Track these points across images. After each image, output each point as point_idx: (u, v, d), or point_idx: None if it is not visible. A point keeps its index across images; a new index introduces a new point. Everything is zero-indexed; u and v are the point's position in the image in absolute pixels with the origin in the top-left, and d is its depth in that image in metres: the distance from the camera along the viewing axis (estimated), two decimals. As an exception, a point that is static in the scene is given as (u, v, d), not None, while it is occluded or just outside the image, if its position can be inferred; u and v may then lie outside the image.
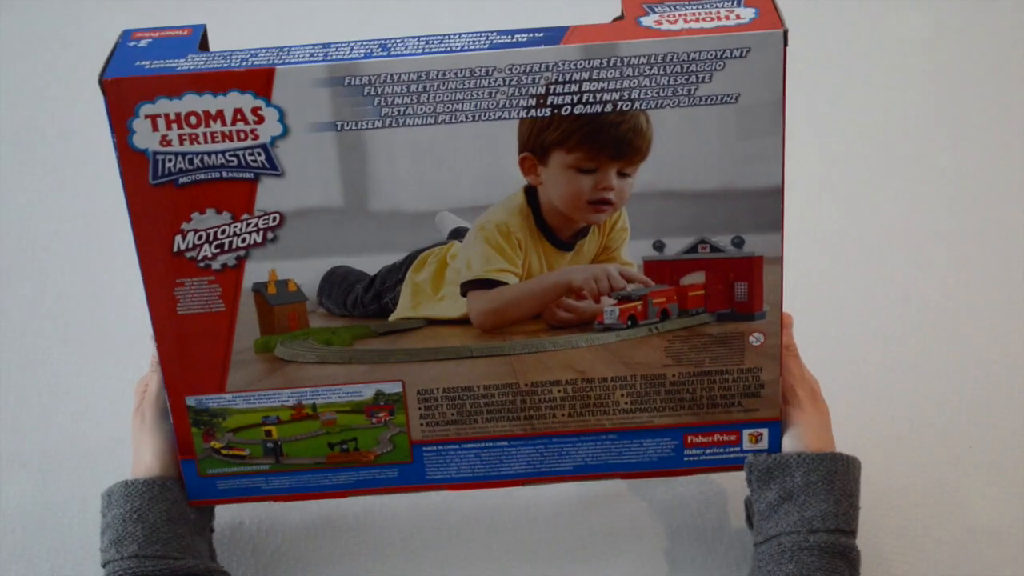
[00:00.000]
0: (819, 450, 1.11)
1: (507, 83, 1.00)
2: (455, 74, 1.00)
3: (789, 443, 1.13)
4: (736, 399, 1.13)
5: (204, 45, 1.06)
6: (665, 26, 1.01)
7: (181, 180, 1.03)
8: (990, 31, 1.91)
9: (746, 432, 1.14)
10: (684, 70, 1.01)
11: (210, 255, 1.06)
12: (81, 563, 1.21)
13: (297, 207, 1.05)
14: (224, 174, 1.03)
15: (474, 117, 1.02)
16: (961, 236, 1.57)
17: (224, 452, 1.14)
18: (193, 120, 1.01)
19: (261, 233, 1.06)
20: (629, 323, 1.11)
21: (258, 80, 1.00)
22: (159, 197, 1.03)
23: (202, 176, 1.03)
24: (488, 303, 1.11)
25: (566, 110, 1.02)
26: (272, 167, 1.03)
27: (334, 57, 1.01)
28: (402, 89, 1.01)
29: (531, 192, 1.09)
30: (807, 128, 1.68)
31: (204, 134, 1.02)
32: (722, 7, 1.03)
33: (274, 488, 1.16)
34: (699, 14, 1.02)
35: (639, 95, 1.01)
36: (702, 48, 1.00)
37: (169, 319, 1.08)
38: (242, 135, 1.02)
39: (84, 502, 1.26)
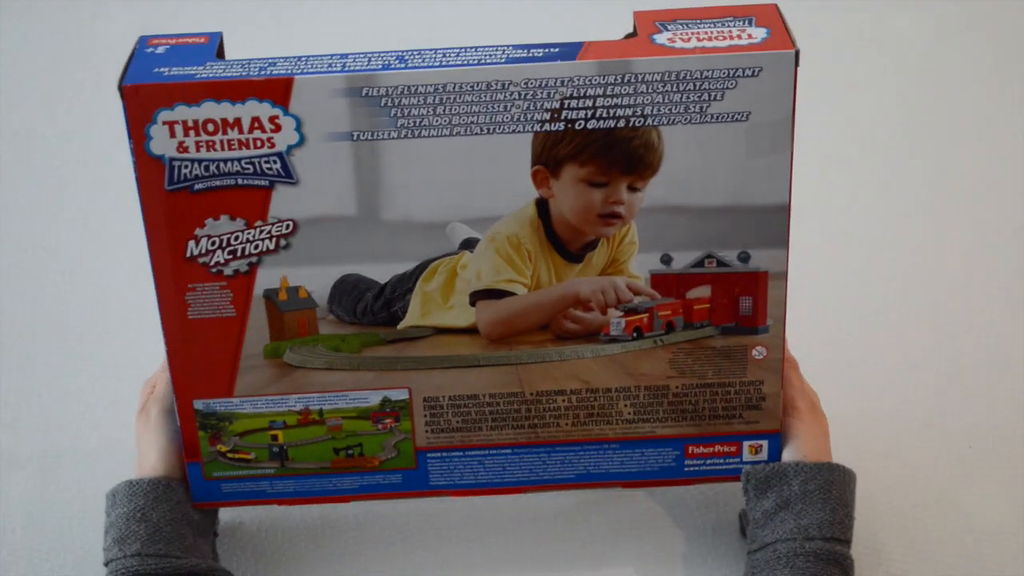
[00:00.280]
0: (817, 460, 1.13)
1: (522, 97, 1.02)
2: (471, 87, 1.01)
3: (787, 454, 1.15)
4: (738, 411, 1.15)
5: (220, 53, 1.06)
6: (678, 44, 1.02)
7: (196, 186, 1.04)
8: (991, 40, 1.93)
9: (746, 444, 1.16)
10: (696, 87, 1.02)
11: (223, 261, 1.07)
12: (81, 563, 1.21)
13: (311, 215, 1.06)
14: (239, 181, 1.04)
15: (489, 130, 1.03)
16: (962, 236, 1.58)
17: (230, 455, 1.15)
18: (210, 127, 1.02)
19: (274, 240, 1.07)
20: (635, 335, 1.12)
21: (277, 89, 1.01)
22: (174, 203, 1.04)
23: (217, 183, 1.04)
24: (496, 313, 1.12)
25: (580, 125, 1.03)
26: (287, 175, 1.04)
27: (352, 68, 1.02)
28: (419, 101, 1.02)
29: (542, 204, 1.10)
30: (812, 144, 1.70)
31: (221, 141, 1.02)
32: (734, 26, 1.04)
33: (279, 492, 1.17)
34: (712, 33, 1.04)
35: (651, 111, 1.03)
36: (714, 66, 1.01)
37: (180, 323, 1.09)
38: (259, 143, 1.03)
39: (84, 502, 1.26)
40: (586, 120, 1.03)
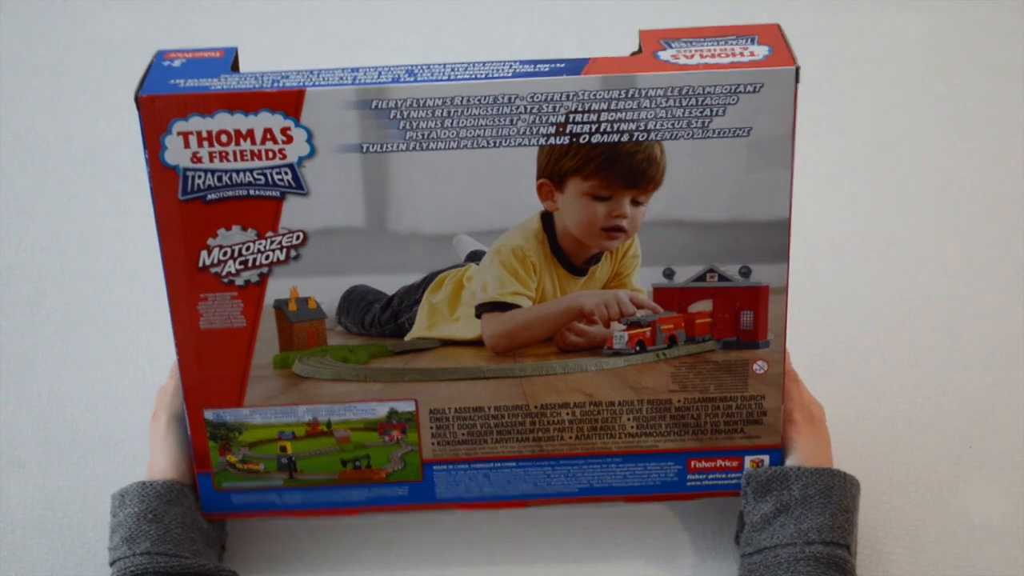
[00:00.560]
0: (818, 466, 1.14)
1: (528, 111, 1.04)
2: (479, 101, 1.04)
3: (789, 462, 1.16)
4: (739, 426, 1.16)
5: (235, 67, 1.09)
6: (682, 60, 1.05)
7: (209, 196, 1.06)
8: (993, 41, 1.94)
9: (748, 458, 1.17)
10: (699, 103, 1.04)
11: (234, 271, 1.09)
12: (81, 563, 1.21)
13: (320, 226, 1.08)
14: (251, 192, 1.06)
15: (495, 143, 1.05)
16: (961, 237, 1.59)
17: (239, 466, 1.16)
18: (224, 138, 1.04)
19: (284, 251, 1.09)
20: (638, 348, 1.14)
21: (289, 101, 1.03)
22: (187, 213, 1.06)
23: (230, 193, 1.06)
24: (501, 326, 1.14)
25: (584, 139, 1.05)
26: (298, 186, 1.06)
27: (362, 81, 1.04)
28: (427, 114, 1.04)
29: (547, 218, 1.12)
30: (812, 159, 1.71)
31: (234, 152, 1.05)
32: (737, 44, 1.07)
33: (287, 504, 1.18)
34: (715, 50, 1.06)
35: (655, 126, 1.05)
36: (717, 83, 1.04)
37: (191, 333, 1.11)
38: (270, 154, 1.05)
39: (84, 502, 1.27)
40: (590, 134, 1.05)
